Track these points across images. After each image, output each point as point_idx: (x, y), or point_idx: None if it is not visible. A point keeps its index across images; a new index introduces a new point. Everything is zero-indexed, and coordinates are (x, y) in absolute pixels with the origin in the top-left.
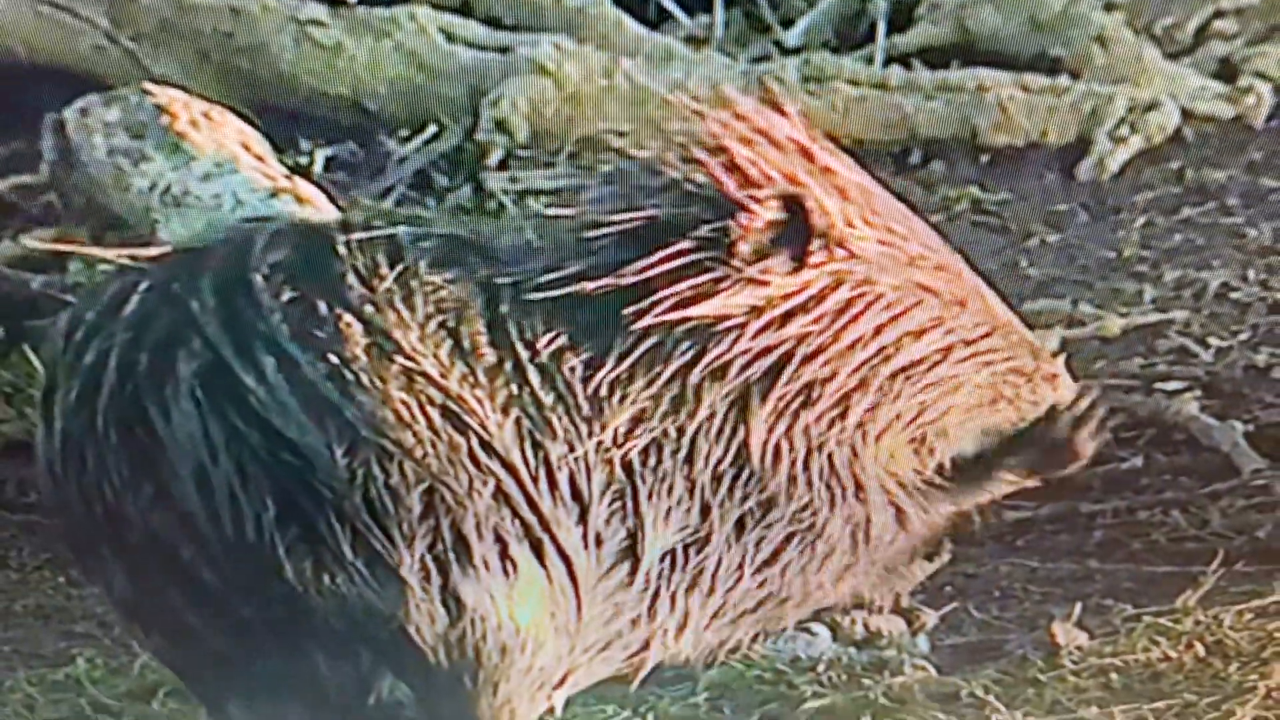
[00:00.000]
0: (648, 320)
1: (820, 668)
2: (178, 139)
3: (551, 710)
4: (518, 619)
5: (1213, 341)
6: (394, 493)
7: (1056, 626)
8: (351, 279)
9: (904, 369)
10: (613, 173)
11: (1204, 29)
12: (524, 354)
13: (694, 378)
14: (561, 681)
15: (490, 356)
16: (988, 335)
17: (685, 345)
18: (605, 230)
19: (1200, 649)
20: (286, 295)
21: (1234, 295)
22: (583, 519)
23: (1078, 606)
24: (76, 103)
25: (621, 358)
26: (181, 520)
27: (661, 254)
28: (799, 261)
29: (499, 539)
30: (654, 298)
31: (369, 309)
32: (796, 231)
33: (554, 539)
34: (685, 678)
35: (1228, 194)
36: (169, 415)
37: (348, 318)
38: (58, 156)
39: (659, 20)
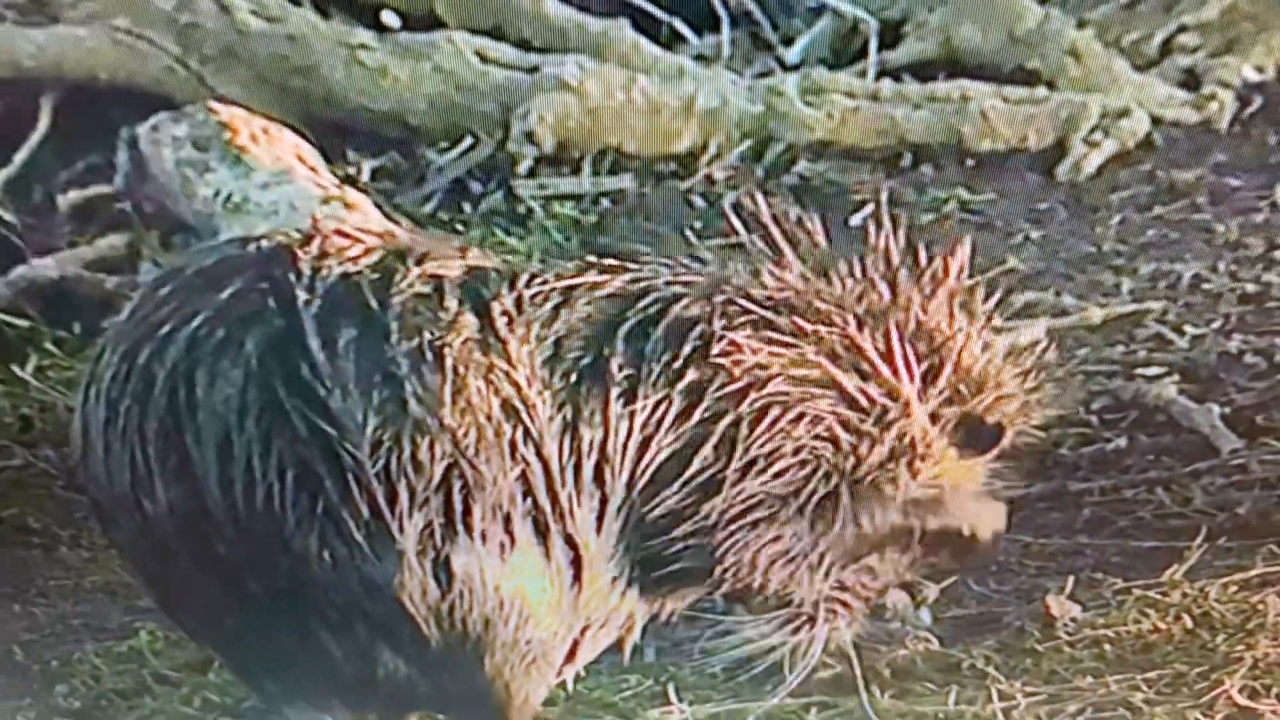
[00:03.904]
0: None
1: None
2: (239, 152)
3: (564, 685)
4: (502, 591)
5: (1188, 329)
6: (417, 464)
7: (1051, 599)
8: (507, 298)
9: None
10: None
11: (1169, 42)
12: (613, 364)
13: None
14: (570, 657)
15: (570, 358)
16: None
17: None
18: None
19: (1188, 621)
20: (421, 288)
21: (1206, 286)
22: (602, 504)
23: (1070, 580)
24: (148, 120)
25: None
26: (198, 492)
27: None
28: None
29: (505, 515)
30: None
31: (502, 320)
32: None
33: (563, 524)
34: (704, 650)
35: (1196, 192)
36: (214, 381)
37: (469, 317)
38: (131, 168)
39: (671, 41)
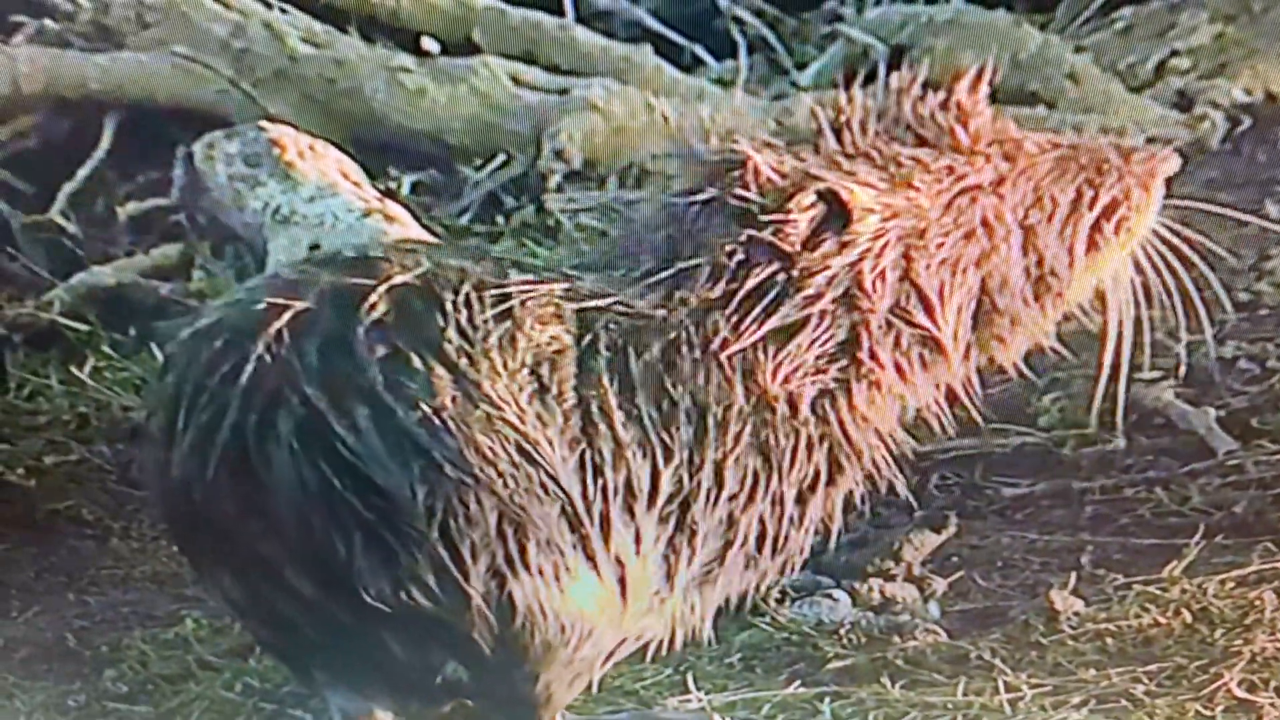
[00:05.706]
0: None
1: (842, 631)
2: (287, 168)
3: (590, 684)
4: (563, 616)
5: (1184, 335)
6: (470, 519)
7: (1055, 594)
8: (452, 334)
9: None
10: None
11: (1162, 66)
12: (613, 396)
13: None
14: (605, 661)
15: (572, 399)
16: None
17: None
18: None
19: (1187, 616)
20: (381, 351)
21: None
22: (637, 535)
23: (1073, 576)
24: (203, 138)
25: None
26: (282, 548)
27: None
28: (845, 240)
29: (557, 550)
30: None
31: (464, 362)
32: (837, 216)
33: (607, 549)
34: (720, 640)
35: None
36: (271, 465)
37: (439, 370)
38: (186, 182)
39: (692, 65)
